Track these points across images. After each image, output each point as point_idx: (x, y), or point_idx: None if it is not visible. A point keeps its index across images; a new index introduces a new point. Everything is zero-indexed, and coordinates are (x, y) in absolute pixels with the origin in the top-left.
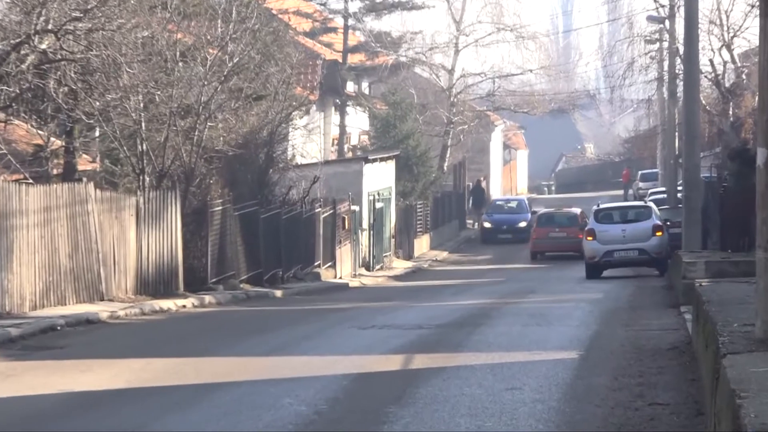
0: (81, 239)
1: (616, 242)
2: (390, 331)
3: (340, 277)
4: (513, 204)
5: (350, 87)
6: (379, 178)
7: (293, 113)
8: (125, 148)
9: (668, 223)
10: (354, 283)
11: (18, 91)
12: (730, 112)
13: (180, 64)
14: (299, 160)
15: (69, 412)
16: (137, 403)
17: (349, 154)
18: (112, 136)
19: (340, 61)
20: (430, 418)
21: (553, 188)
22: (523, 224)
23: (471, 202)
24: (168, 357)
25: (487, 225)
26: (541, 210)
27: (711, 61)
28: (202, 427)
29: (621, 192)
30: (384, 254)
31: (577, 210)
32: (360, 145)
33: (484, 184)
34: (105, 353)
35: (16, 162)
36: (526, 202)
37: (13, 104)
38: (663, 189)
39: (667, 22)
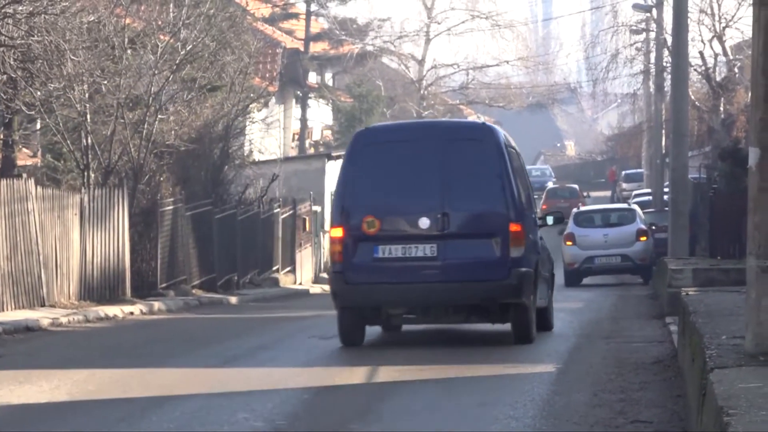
0: (20, 240)
1: (597, 247)
2: None
3: (300, 283)
4: None
5: (312, 78)
6: None
7: (251, 106)
8: (69, 141)
9: (653, 227)
10: (315, 289)
11: None
12: (722, 109)
13: (128, 51)
14: (257, 157)
15: (4, 427)
16: (80, 418)
17: (311, 150)
18: (54, 129)
19: (302, 49)
20: None
21: None
22: None
23: None
24: (114, 368)
25: None
26: (549, 185)
27: (701, 53)
28: None
29: (606, 193)
30: None
31: (575, 186)
32: (323, 140)
33: None
34: (45, 363)
35: None
36: None
37: None
38: (648, 190)
39: (654, 11)
